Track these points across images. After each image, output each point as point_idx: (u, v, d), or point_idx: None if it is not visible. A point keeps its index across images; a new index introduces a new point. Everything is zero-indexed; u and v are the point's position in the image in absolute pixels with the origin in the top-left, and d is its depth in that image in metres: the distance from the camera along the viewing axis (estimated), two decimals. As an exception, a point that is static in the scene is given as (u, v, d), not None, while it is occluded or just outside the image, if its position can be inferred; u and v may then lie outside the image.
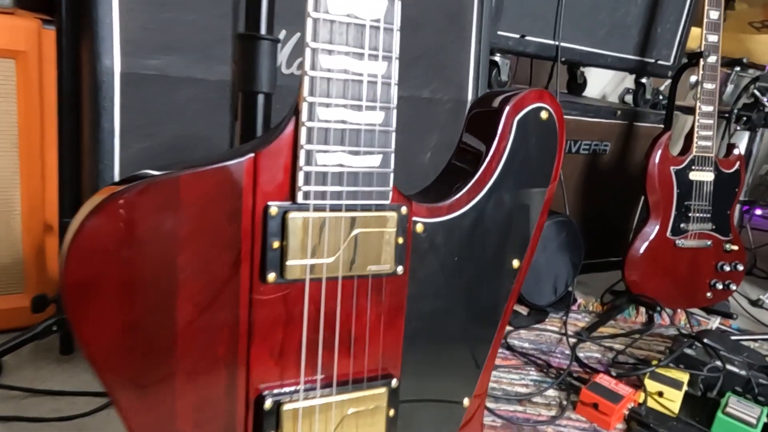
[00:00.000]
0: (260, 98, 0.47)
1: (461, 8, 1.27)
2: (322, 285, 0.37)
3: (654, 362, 1.22)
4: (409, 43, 1.20)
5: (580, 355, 1.32)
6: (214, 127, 0.96)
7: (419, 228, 0.41)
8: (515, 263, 0.45)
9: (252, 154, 0.34)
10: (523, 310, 1.50)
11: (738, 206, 1.89)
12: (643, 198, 1.89)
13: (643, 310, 1.59)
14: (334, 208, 0.36)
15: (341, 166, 0.36)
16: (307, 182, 0.35)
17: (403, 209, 0.39)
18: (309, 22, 0.33)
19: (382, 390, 0.41)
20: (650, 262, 1.49)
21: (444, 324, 0.43)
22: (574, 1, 1.51)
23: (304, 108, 0.34)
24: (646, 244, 1.48)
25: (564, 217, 1.51)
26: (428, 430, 0.45)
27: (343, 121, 0.35)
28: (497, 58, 1.47)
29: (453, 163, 0.45)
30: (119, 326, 0.32)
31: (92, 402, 0.92)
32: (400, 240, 0.39)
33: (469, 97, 1.32)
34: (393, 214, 0.39)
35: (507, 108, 0.42)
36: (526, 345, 1.34)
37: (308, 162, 0.35)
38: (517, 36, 1.46)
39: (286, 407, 0.38)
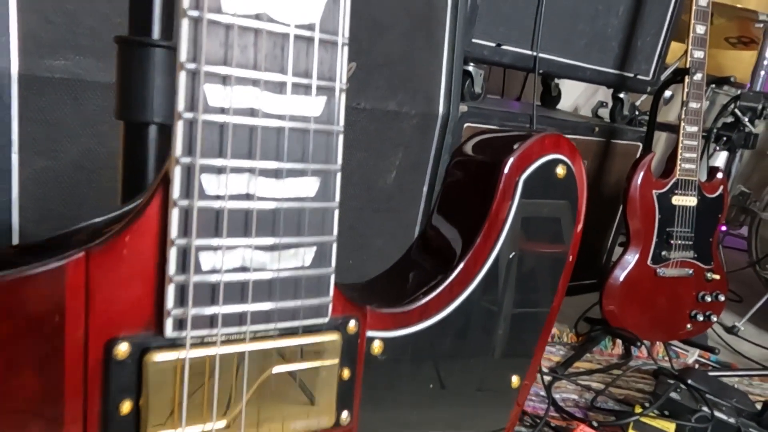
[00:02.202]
0: (152, 131, 0.32)
1: (432, 10, 1.14)
2: (210, 465, 0.23)
3: (637, 408, 1.12)
4: (372, 48, 1.07)
5: (556, 396, 1.21)
6: (135, 145, 0.80)
7: (376, 348, 0.27)
8: (515, 381, 0.32)
9: (81, 253, 0.20)
10: (494, 344, 1.38)
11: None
12: (617, 219, 1.80)
13: (619, 342, 1.49)
14: (232, 339, 0.22)
15: (244, 270, 0.21)
16: (181, 302, 0.21)
17: (352, 324, 0.25)
18: (185, 27, 0.18)
19: None
20: (630, 292, 1.39)
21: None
22: (553, 10, 1.40)
23: (178, 175, 0.20)
24: (625, 272, 1.38)
25: (539, 243, 1.39)
26: None
27: (249, 196, 0.21)
28: (470, 67, 1.34)
29: (423, 242, 0.31)
30: None
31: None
32: (346, 373, 0.25)
33: (440, 110, 1.19)
34: (334, 337, 0.24)
35: (509, 162, 0.29)
36: (498, 386, 1.21)
37: (184, 267, 0.20)
38: (493, 45, 1.33)
39: None
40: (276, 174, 0.21)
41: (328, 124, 0.21)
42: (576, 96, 2.52)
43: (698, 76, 1.36)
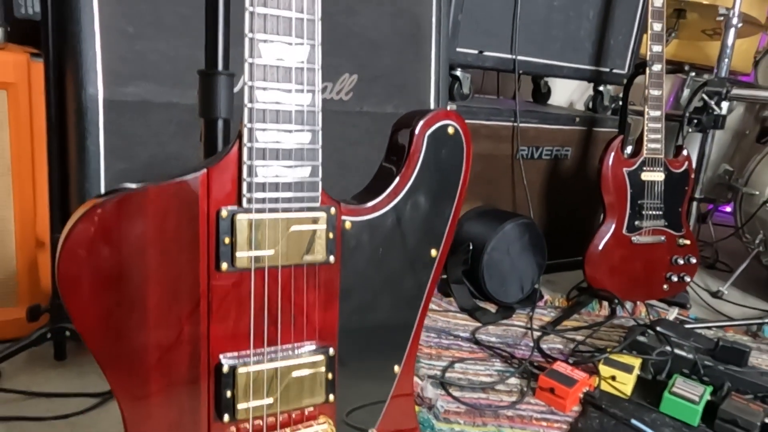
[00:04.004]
0: (219, 123, 0.57)
1: (419, 29, 1.38)
2: (265, 272, 0.47)
3: (609, 350, 1.32)
4: (370, 62, 1.31)
5: (544, 347, 1.41)
6: (188, 148, 1.05)
7: (348, 225, 0.50)
8: (433, 253, 0.55)
9: (205, 170, 0.44)
10: (491, 308, 1.60)
11: (695, 204, 1.99)
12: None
13: (606, 304, 1.68)
14: (273, 210, 0.46)
15: (277, 177, 0.45)
16: (249, 190, 0.45)
17: (332, 210, 0.49)
18: (246, 66, 0.43)
19: (321, 358, 0.50)
20: (608, 258, 1.59)
21: (374, 305, 0.53)
22: (528, 18, 1.62)
23: (245, 132, 0.44)
24: (603, 241, 1.58)
25: (526, 219, 1.61)
26: (365, 392, 0.54)
27: (277, 142, 0.45)
28: (458, 72, 1.57)
29: (379, 171, 0.55)
30: (102, 309, 0.41)
31: (84, 402, 1.00)
32: (331, 235, 0.49)
33: (431, 110, 1.42)
34: (323, 214, 0.48)
35: (419, 125, 0.52)
36: (493, 339, 1.43)
37: (250, 174, 0.45)
38: (476, 52, 1.56)
39: (240, 370, 0.47)
40: (289, 131, 0.45)
41: (312, 107, 0.45)
42: (570, 92, 2.72)
43: (657, 67, 1.56)
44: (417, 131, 0.52)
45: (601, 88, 1.94)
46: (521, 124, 1.68)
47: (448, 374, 1.23)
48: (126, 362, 0.43)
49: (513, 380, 1.23)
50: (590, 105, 2.41)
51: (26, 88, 1.06)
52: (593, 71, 1.85)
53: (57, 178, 1.04)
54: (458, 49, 1.52)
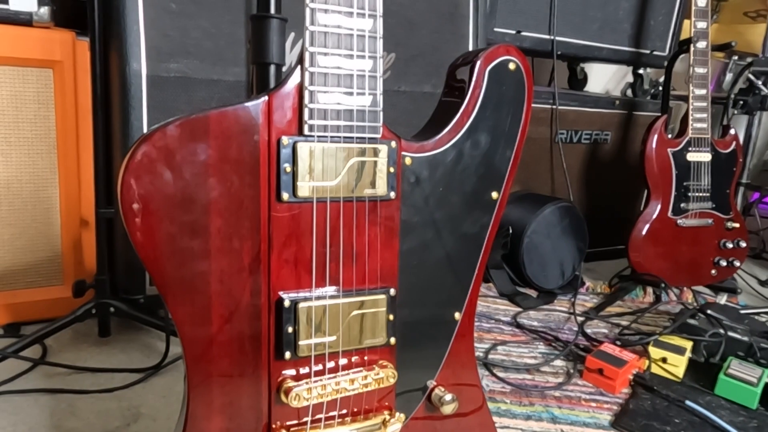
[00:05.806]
0: (271, 68, 0.56)
1: (456, 8, 1.36)
2: (327, 205, 0.45)
3: (659, 332, 1.27)
4: (408, 42, 1.29)
5: (588, 331, 1.37)
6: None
7: (408, 161, 0.49)
8: (494, 195, 0.53)
9: (266, 97, 0.43)
10: (532, 293, 1.56)
11: (741, 191, 1.93)
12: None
13: (650, 290, 1.63)
14: (335, 140, 0.44)
15: (339, 104, 0.44)
16: (311, 117, 0.43)
17: (393, 144, 0.47)
18: (308, 11, 0.42)
19: (382, 297, 0.49)
20: (653, 241, 1.54)
21: (434, 246, 0.51)
22: (566, -2, 1.59)
23: (307, 56, 0.43)
24: (648, 224, 1.54)
25: (566, 203, 1.57)
26: (425, 338, 0.52)
27: (338, 67, 0.44)
28: (495, 54, 1.54)
29: (438, 108, 0.53)
30: (163, 235, 0.40)
31: (129, 377, 1.00)
32: (391, 169, 0.47)
33: (469, 90, 1.40)
34: (384, 147, 0.47)
35: (479, 60, 0.50)
36: (535, 323, 1.39)
37: (311, 100, 0.43)
38: (513, 32, 1.54)
39: (301, 305, 0.45)
40: (350, 57, 0.44)
41: (374, 33, 0.44)
42: (606, 80, 2.67)
43: (702, 44, 1.51)
44: (477, 67, 0.50)
45: (640, 71, 1.89)
46: (560, 107, 1.65)
47: (490, 356, 1.20)
48: (187, 291, 0.42)
49: (558, 362, 1.20)
50: (626, 93, 2.35)
51: (72, 67, 1.08)
52: (633, 53, 1.80)
53: (102, 155, 1.05)
54: (495, 29, 1.50)
